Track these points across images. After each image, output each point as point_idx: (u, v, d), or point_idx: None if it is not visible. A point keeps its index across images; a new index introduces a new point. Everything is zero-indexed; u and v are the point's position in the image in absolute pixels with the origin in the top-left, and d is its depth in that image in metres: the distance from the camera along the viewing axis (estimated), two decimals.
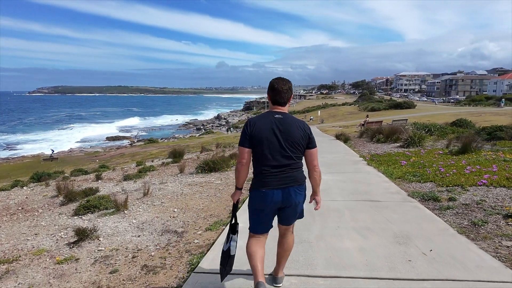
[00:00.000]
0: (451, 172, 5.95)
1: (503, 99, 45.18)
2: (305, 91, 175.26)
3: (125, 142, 48.61)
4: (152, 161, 16.25)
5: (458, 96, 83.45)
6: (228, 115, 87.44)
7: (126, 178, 8.98)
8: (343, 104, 66.32)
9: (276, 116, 2.40)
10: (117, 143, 48.57)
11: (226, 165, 8.85)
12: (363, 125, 19.57)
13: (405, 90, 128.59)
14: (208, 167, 8.66)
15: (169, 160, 12.35)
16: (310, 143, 2.42)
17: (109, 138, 54.62)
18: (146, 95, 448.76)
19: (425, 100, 72.21)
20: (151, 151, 26.56)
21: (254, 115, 2.68)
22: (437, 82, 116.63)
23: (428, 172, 6.22)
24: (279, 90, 2.42)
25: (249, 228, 2.53)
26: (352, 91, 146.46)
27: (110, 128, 69.06)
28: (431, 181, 5.77)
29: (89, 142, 50.49)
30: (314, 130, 27.25)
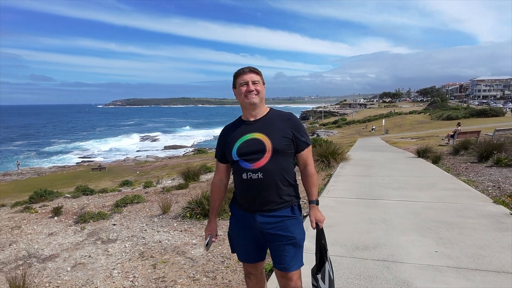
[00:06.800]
0: None
1: None
2: (366, 100, 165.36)
3: (180, 152, 49.36)
4: (174, 179, 13.15)
5: None
6: None
7: (83, 218, 5.72)
8: (411, 113, 59.53)
9: None
10: (174, 152, 49.90)
11: None
12: (452, 136, 14.37)
13: (484, 97, 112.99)
14: (201, 209, 5.00)
15: (175, 183, 8.97)
16: None
17: (167, 147, 55.10)
18: (206, 106, 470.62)
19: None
20: (192, 163, 24.49)
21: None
22: None
23: None
24: None
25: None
26: (419, 99, 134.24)
27: (171, 137, 71.00)
28: None
29: (147, 151, 50.99)
30: (379, 142, 22.19)
